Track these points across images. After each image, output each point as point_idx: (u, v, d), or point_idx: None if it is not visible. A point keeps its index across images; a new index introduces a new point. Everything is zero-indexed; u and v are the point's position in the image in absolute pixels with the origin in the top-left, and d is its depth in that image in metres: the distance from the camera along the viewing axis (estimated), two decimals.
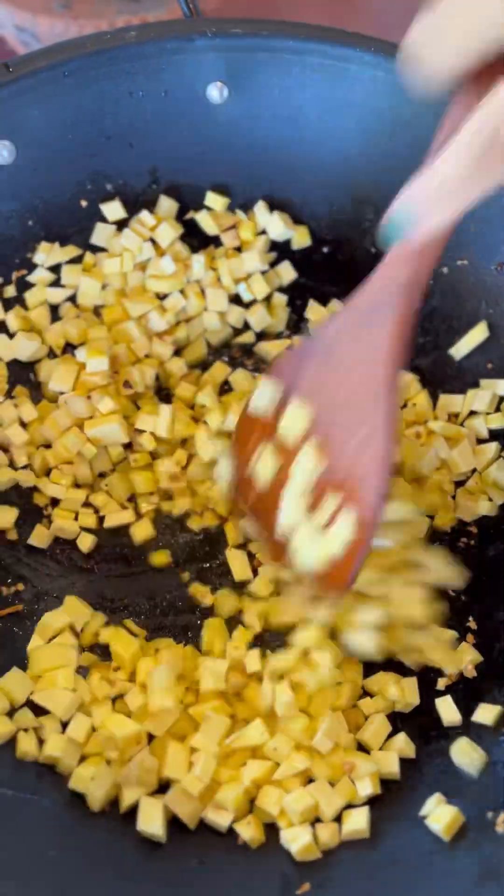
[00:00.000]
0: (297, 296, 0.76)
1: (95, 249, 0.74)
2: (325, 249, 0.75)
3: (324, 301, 0.75)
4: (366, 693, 0.63)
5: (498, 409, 0.71)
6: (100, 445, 0.68)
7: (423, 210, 0.44)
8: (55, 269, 0.73)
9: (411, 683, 0.62)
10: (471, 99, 0.44)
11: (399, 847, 0.56)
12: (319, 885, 0.55)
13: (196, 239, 0.75)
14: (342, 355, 0.56)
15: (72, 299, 0.73)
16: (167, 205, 0.74)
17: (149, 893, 0.55)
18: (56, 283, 0.73)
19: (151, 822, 0.56)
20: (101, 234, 0.73)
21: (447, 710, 0.61)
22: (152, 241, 0.74)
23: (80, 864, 0.56)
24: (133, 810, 0.57)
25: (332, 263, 0.75)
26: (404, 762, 0.60)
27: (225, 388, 0.73)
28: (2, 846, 0.54)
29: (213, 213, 0.74)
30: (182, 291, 0.73)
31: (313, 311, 0.75)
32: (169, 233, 0.73)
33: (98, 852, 0.56)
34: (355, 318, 0.55)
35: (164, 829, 0.57)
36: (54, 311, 0.73)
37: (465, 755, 0.59)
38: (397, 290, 0.52)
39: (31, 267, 0.72)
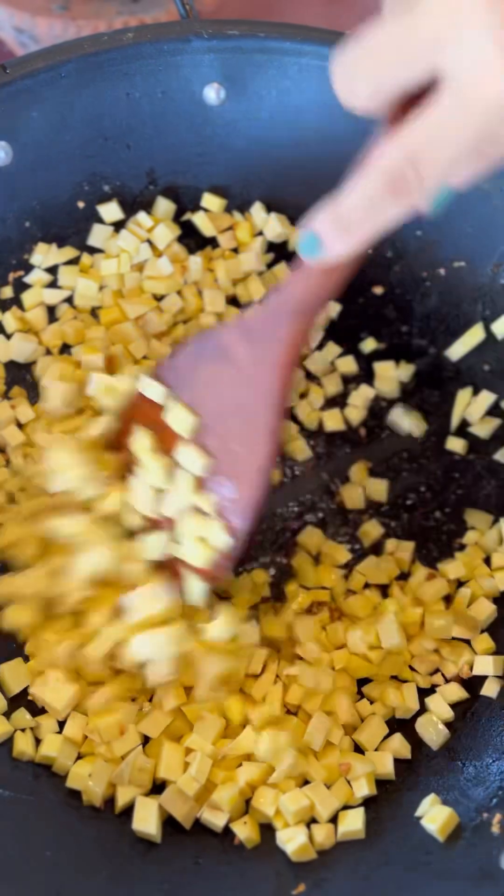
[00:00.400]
0: None
1: (93, 251, 0.74)
2: None
3: None
4: (364, 697, 0.63)
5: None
6: None
7: (327, 238, 0.44)
8: (52, 270, 0.73)
9: (411, 689, 0.62)
10: (389, 131, 0.44)
11: (394, 848, 0.57)
12: (315, 885, 0.55)
13: (193, 240, 0.75)
14: (235, 363, 0.57)
15: (69, 300, 0.73)
16: (164, 206, 0.74)
17: (144, 893, 0.55)
18: (53, 285, 0.73)
19: (146, 821, 0.57)
20: (98, 235, 0.74)
21: (439, 707, 0.61)
22: (149, 242, 0.74)
23: (76, 864, 0.56)
24: (129, 810, 0.58)
25: None
26: (400, 763, 0.60)
27: None
28: None
29: (210, 214, 0.74)
30: (179, 292, 0.73)
31: None
32: (166, 234, 0.73)
33: (94, 852, 0.56)
34: (252, 329, 0.55)
35: (158, 828, 0.57)
36: (51, 313, 0.73)
37: (427, 731, 0.61)
38: (296, 306, 0.52)
39: (28, 268, 0.73)
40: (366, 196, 0.42)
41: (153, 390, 0.61)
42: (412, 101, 0.42)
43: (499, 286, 0.70)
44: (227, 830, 0.58)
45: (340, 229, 0.44)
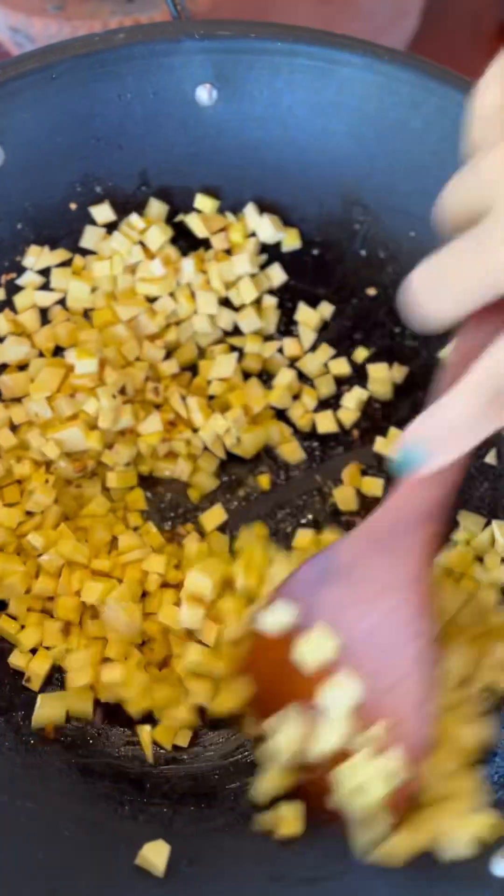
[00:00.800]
0: (287, 298, 0.76)
1: (85, 252, 0.74)
2: (314, 252, 0.75)
3: (313, 303, 0.75)
4: None
5: None
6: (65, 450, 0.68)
7: (432, 449, 0.43)
8: (45, 272, 0.73)
9: None
10: (475, 337, 0.43)
11: None
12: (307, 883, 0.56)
13: (186, 241, 0.75)
14: (364, 580, 0.53)
15: (61, 302, 0.73)
16: (157, 207, 0.74)
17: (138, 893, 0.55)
18: (45, 287, 0.73)
19: (156, 857, 0.56)
20: (90, 237, 0.73)
21: None
22: (142, 243, 0.74)
23: (68, 867, 0.56)
24: (132, 809, 0.58)
25: (321, 265, 0.75)
26: None
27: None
28: None
29: (202, 215, 0.74)
30: (172, 294, 0.73)
31: (303, 313, 0.75)
32: (158, 236, 0.73)
33: (86, 854, 0.56)
34: (375, 542, 0.52)
35: (164, 865, 0.56)
36: (44, 315, 0.73)
37: None
38: (417, 517, 0.50)
39: (21, 270, 0.72)
40: (469, 410, 0.42)
41: (280, 615, 0.55)
42: (495, 308, 0.41)
43: None
44: (225, 827, 0.58)
45: (444, 440, 0.43)
